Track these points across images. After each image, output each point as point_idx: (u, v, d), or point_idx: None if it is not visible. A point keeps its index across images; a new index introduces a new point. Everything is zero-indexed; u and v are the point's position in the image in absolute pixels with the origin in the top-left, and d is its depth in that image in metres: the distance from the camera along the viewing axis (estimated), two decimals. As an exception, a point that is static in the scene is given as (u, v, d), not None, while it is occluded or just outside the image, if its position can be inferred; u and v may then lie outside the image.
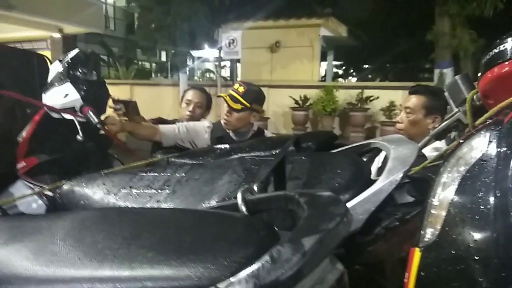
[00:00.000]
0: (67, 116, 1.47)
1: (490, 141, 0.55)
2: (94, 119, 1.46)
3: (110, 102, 1.91)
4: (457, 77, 0.83)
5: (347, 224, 0.45)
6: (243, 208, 0.58)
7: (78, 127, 1.43)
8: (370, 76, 16.64)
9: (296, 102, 8.15)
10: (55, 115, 1.50)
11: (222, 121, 2.16)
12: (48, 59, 1.87)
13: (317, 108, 7.96)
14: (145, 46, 9.59)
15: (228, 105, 2.07)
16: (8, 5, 7.18)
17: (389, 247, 0.72)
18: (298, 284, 0.39)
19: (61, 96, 1.48)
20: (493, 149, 0.54)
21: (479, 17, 7.01)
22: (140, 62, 11.95)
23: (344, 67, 17.65)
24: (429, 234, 0.58)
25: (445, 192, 0.57)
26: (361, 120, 7.84)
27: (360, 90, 7.97)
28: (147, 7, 8.16)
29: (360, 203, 0.70)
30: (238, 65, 10.07)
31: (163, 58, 11.99)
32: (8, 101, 1.61)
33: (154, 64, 13.09)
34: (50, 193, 1.31)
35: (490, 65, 0.69)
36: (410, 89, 1.95)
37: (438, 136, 0.96)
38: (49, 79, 1.56)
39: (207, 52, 10.12)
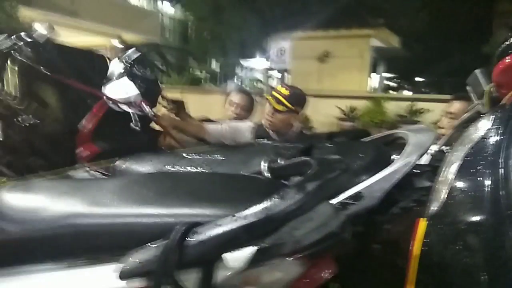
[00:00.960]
0: (125, 108, 1.64)
1: (492, 122, 0.60)
2: (149, 111, 1.61)
3: (161, 100, 2.08)
4: (477, 70, 0.87)
5: (345, 177, 0.53)
6: (266, 174, 0.67)
7: (135, 119, 1.59)
8: (423, 89, 16.10)
9: (344, 112, 8.11)
10: (114, 106, 1.67)
11: (264, 122, 2.26)
12: (108, 58, 2.07)
13: (364, 119, 7.87)
14: (197, 55, 9.99)
15: (272, 105, 2.17)
16: (72, 12, 7.81)
17: (404, 227, 0.77)
18: (298, 219, 0.48)
19: (122, 91, 1.66)
20: (493, 129, 0.59)
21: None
22: (192, 70, 12.44)
23: (396, 79, 17.23)
24: (434, 205, 0.63)
25: (450, 168, 0.63)
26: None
27: (410, 102, 7.77)
28: (201, 17, 8.52)
29: (377, 182, 0.76)
30: (287, 75, 10.19)
31: (214, 66, 12.41)
32: (74, 94, 1.81)
33: (205, 72, 13.57)
34: (105, 172, 1.47)
35: (502, 57, 0.73)
36: (453, 95, 1.95)
37: (463, 127, 0.99)
38: (110, 75, 1.75)
39: (257, 62, 10.34)
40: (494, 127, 0.59)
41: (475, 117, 0.86)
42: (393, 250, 0.80)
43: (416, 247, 0.64)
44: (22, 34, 1.58)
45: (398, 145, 0.91)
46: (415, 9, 8.87)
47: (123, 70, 1.70)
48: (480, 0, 7.94)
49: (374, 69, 10.68)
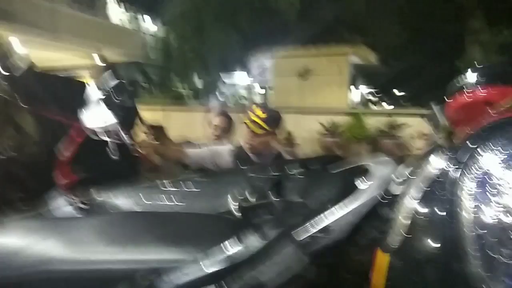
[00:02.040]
0: (106, 138, 1.66)
1: (445, 162, 0.65)
2: (128, 140, 1.63)
3: (142, 127, 2.10)
4: (435, 107, 0.93)
5: (306, 221, 0.57)
6: (236, 213, 0.70)
7: (113, 147, 1.61)
8: (403, 103, 16.46)
9: (326, 128, 8.22)
10: (94, 137, 1.69)
11: (243, 144, 2.30)
12: (87, 84, 2.09)
13: (346, 134, 8.00)
14: (180, 72, 10.04)
15: (250, 129, 2.22)
16: (52, 28, 7.76)
17: (371, 256, 0.81)
18: (261, 263, 0.51)
19: (98, 118, 1.67)
20: (446, 169, 0.63)
21: (512, 45, 6.93)
22: (174, 87, 12.45)
23: (376, 94, 17.57)
24: (393, 239, 0.67)
25: (407, 204, 0.67)
26: (391, 147, 7.78)
27: (389, 117, 7.95)
28: (183, 35, 8.60)
29: (344, 216, 0.80)
30: (270, 91, 10.31)
31: (197, 83, 12.47)
32: (53, 123, 1.82)
33: (188, 89, 13.61)
34: (84, 205, 1.48)
35: (453, 95, 0.79)
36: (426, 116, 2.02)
37: (423, 160, 1.04)
38: (88, 102, 1.76)
39: (239, 79, 10.46)
40: (446, 167, 0.63)
41: (434, 150, 0.91)
42: (362, 279, 0.83)
43: (376, 279, 0.67)
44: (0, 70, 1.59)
45: (365, 175, 0.95)
46: (392, 27, 9.15)
47: (101, 98, 1.71)
48: (453, 19, 8.25)
49: (354, 85, 10.89)
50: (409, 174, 0.80)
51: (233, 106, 12.56)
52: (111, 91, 1.71)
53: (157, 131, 2.28)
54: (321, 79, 9.41)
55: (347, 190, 0.89)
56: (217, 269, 0.52)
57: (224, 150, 2.30)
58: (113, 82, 1.79)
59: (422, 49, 10.19)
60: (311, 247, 0.80)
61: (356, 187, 0.92)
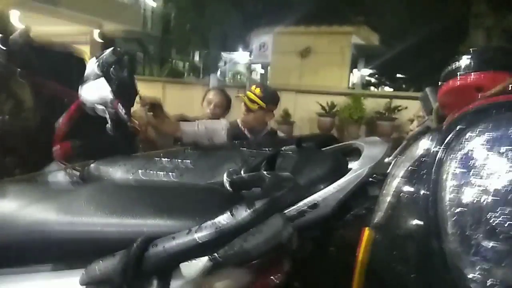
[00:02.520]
0: (99, 107, 1.66)
1: (431, 143, 0.66)
2: (122, 111, 1.64)
3: (137, 99, 2.10)
4: (427, 88, 0.94)
5: (293, 194, 0.59)
6: (227, 186, 0.72)
7: (108, 118, 1.62)
8: (404, 85, 16.39)
9: (323, 108, 8.22)
10: (89, 108, 1.69)
11: (239, 120, 2.31)
12: (85, 58, 2.08)
13: (343, 115, 8.00)
14: (179, 46, 9.92)
15: (246, 105, 2.22)
16: (52, 2, 7.65)
17: (356, 232, 0.84)
18: (249, 232, 0.54)
19: (95, 90, 1.67)
20: (431, 149, 0.65)
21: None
22: (173, 62, 12.33)
23: (377, 76, 17.46)
24: (378, 217, 0.70)
25: (393, 182, 0.69)
26: (387, 129, 7.81)
27: (388, 99, 7.94)
28: (183, 8, 8.46)
29: (332, 193, 0.82)
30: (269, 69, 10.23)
31: (196, 59, 12.34)
32: (49, 92, 1.82)
33: (187, 64, 13.46)
34: (78, 173, 1.50)
35: (446, 79, 0.80)
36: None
37: (412, 141, 1.05)
38: (86, 74, 1.76)
39: (239, 55, 10.35)
40: (432, 147, 0.64)
41: (425, 132, 0.93)
42: (347, 253, 0.86)
43: (361, 254, 0.70)
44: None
45: (354, 155, 0.97)
46: (395, 7, 9.01)
47: (99, 72, 1.71)
48: (458, 1, 8.13)
49: (355, 66, 10.83)
50: (398, 154, 0.82)
51: (231, 83, 12.50)
52: (108, 65, 1.70)
53: (154, 105, 2.27)
54: (322, 58, 9.35)
55: (337, 168, 0.91)
56: (207, 238, 0.54)
57: (219, 127, 2.31)
58: (107, 51, 1.77)
59: (425, 32, 10.08)
60: (298, 221, 0.83)
61: (346, 165, 0.94)
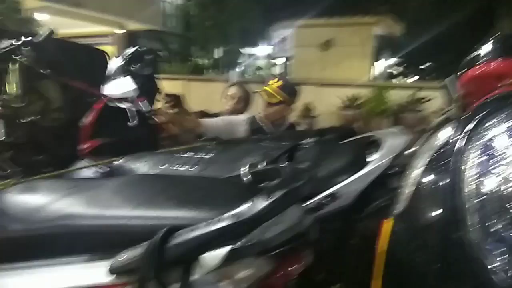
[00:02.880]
0: (123, 105, 1.71)
1: (451, 133, 0.65)
2: (146, 108, 1.67)
3: (159, 95, 2.14)
4: (448, 78, 0.92)
5: (310, 184, 0.60)
6: (248, 177, 0.73)
7: (133, 114, 1.66)
8: (427, 77, 15.98)
9: (345, 101, 8.12)
10: (112, 104, 1.74)
11: (258, 115, 2.32)
12: (108, 55, 2.13)
13: (366, 108, 7.88)
14: (200, 43, 9.99)
15: (265, 98, 2.24)
16: (76, 2, 7.83)
17: (377, 224, 0.84)
18: (268, 223, 0.55)
19: (119, 87, 1.72)
20: (451, 139, 0.64)
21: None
22: (195, 58, 12.42)
23: (400, 68, 17.09)
24: (398, 207, 0.70)
25: (413, 173, 0.69)
26: (413, 121, 7.64)
27: (413, 91, 7.77)
28: (203, 5, 8.50)
29: (352, 183, 0.82)
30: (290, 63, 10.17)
31: (217, 55, 12.40)
32: (75, 91, 1.87)
33: (208, 61, 13.55)
34: (105, 170, 1.55)
35: (467, 67, 0.78)
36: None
37: (432, 132, 1.03)
38: (109, 72, 1.81)
39: (259, 50, 10.34)
40: (451, 137, 0.64)
41: (445, 122, 0.92)
42: (368, 245, 0.86)
43: (381, 245, 0.70)
44: (22, 37, 1.63)
45: (374, 147, 0.96)
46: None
47: (123, 70, 1.75)
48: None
49: (377, 57, 10.63)
50: (419, 145, 0.81)
51: (252, 77, 12.50)
52: (129, 58, 1.75)
53: (174, 99, 2.31)
54: (343, 51, 9.21)
55: (356, 160, 0.91)
56: (227, 228, 0.56)
57: (239, 120, 2.33)
58: (131, 50, 1.82)
59: (449, 21, 9.80)
60: (319, 213, 0.84)
61: (365, 157, 0.94)
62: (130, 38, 9.92)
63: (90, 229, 0.67)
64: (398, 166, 0.87)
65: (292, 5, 8.77)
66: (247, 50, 10.37)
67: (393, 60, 14.04)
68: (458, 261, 0.58)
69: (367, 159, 0.89)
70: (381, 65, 11.48)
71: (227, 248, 0.56)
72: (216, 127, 2.24)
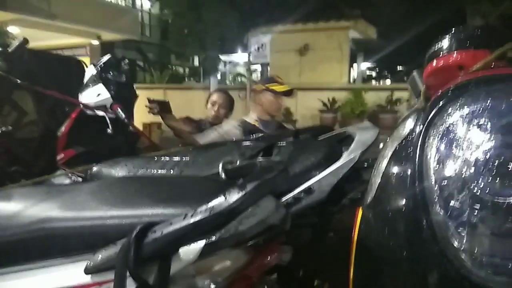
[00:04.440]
0: (99, 113, 1.70)
1: (415, 122, 0.68)
2: (122, 115, 1.67)
3: (146, 102, 2.15)
4: (414, 72, 0.96)
5: (284, 176, 0.62)
6: (223, 175, 0.74)
7: (108, 122, 1.65)
8: (405, 78, 16.34)
9: (324, 104, 8.23)
10: (89, 112, 1.73)
11: (248, 118, 2.42)
12: (85, 63, 2.12)
13: (345, 110, 8.01)
14: (178, 51, 9.97)
15: (278, 91, 2.37)
16: (50, 14, 7.73)
17: (353, 216, 0.86)
18: (242, 215, 0.56)
19: (94, 95, 1.71)
20: (415, 128, 0.67)
21: (512, 15, 6.83)
22: (173, 67, 12.39)
23: (377, 69, 17.43)
24: (369, 197, 0.72)
25: (382, 163, 0.71)
26: (390, 122, 7.81)
27: (389, 92, 7.95)
28: (179, 14, 8.51)
29: (325, 177, 0.84)
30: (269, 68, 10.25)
31: (196, 63, 12.39)
32: (50, 101, 1.86)
33: (187, 69, 13.53)
34: (82, 177, 1.53)
35: (429, 60, 0.82)
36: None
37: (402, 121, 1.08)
38: (85, 81, 1.80)
39: (238, 56, 10.40)
40: (416, 127, 0.67)
41: (412, 113, 0.95)
42: (345, 237, 0.88)
43: (356, 234, 0.72)
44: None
45: (348, 142, 0.99)
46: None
47: (98, 78, 1.75)
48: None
49: (354, 60, 10.82)
50: (388, 137, 0.84)
51: (231, 84, 12.53)
52: (103, 66, 1.75)
53: (162, 106, 2.31)
54: (320, 55, 9.36)
55: (331, 154, 0.93)
56: (202, 222, 0.57)
57: (231, 128, 2.37)
58: (105, 58, 1.82)
59: (422, 22, 10.07)
60: (295, 207, 0.85)
61: (340, 152, 0.96)
62: (107, 48, 9.84)
63: (67, 231, 0.67)
64: (372, 159, 0.89)
65: (268, 11, 8.85)
66: (226, 57, 10.40)
67: (369, 63, 14.31)
68: (426, 244, 0.61)
69: (341, 152, 0.91)
70: (358, 68, 11.69)
71: (203, 242, 0.57)
72: (212, 140, 2.27)
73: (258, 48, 8.43)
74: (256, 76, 13.21)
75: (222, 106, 2.70)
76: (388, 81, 17.25)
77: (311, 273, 1.00)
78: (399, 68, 16.21)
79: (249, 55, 8.65)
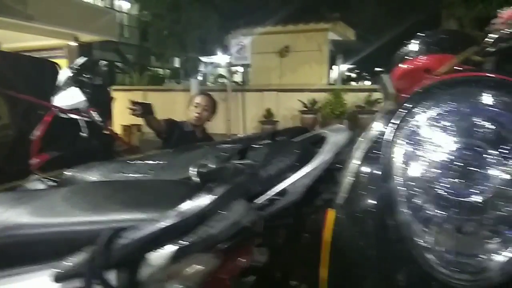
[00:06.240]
0: (74, 116, 1.67)
1: (383, 125, 0.70)
2: (97, 118, 1.65)
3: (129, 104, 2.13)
4: (384, 75, 0.98)
5: (254, 180, 0.62)
6: (196, 178, 0.74)
7: (81, 125, 1.63)
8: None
9: (305, 105, 8.29)
10: (63, 115, 1.70)
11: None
12: (59, 65, 2.08)
13: (325, 111, 8.09)
14: (158, 53, 9.88)
15: None
16: (27, 15, 7.55)
17: (325, 216, 0.87)
18: (213, 218, 0.56)
19: (68, 98, 1.68)
20: (383, 130, 0.69)
21: (486, 18, 7.02)
22: (153, 69, 12.27)
23: (357, 71, 17.68)
24: (340, 198, 0.73)
25: (351, 165, 0.73)
26: (369, 122, 7.88)
27: (368, 93, 8.07)
28: (158, 15, 8.43)
29: (299, 179, 0.85)
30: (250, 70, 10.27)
31: (176, 65, 12.30)
32: (24, 104, 1.82)
33: (167, 70, 13.41)
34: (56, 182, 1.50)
35: (397, 63, 0.84)
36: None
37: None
38: (59, 83, 1.77)
39: (218, 58, 10.38)
40: (383, 128, 0.68)
41: (381, 115, 0.97)
42: (319, 238, 0.89)
43: (326, 235, 0.73)
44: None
45: (320, 142, 1.00)
46: (369, 2, 9.16)
47: (73, 81, 1.72)
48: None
49: (334, 62, 10.94)
50: (360, 139, 0.85)
51: (213, 85, 12.50)
52: (79, 69, 1.72)
53: (145, 108, 2.29)
54: (301, 56, 9.42)
55: (305, 156, 0.95)
56: (171, 226, 0.57)
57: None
58: (81, 60, 1.79)
59: (399, 24, 10.26)
60: (270, 209, 0.86)
61: (314, 153, 0.97)
62: (85, 50, 9.65)
63: (36, 238, 0.66)
64: (343, 159, 0.91)
65: (248, 13, 8.88)
66: (206, 59, 10.37)
67: (349, 64, 14.49)
68: (393, 243, 0.62)
69: (314, 154, 0.92)
70: (337, 69, 11.82)
71: (173, 246, 0.57)
72: None
73: (238, 50, 8.43)
74: (238, 78, 13.21)
75: (205, 109, 2.71)
76: (367, 82, 17.51)
77: (288, 274, 1.01)
78: (378, 69, 16.48)
79: (229, 56, 8.64)
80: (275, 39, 9.45)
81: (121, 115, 2.61)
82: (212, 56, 10.10)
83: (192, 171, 0.75)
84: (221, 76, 14.95)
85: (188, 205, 0.58)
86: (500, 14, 0.71)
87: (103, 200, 0.72)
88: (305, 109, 8.31)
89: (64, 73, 1.85)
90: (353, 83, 16.32)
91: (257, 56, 9.07)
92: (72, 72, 1.77)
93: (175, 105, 9.32)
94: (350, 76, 17.14)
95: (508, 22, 0.69)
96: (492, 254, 0.54)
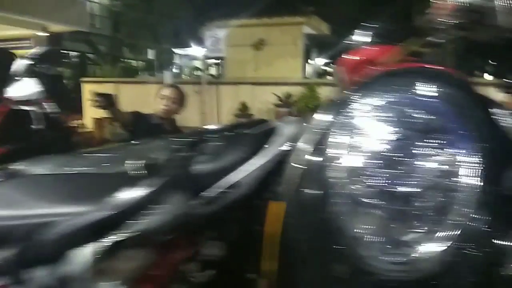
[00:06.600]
0: (26, 108, 1.61)
1: (323, 115, 0.70)
2: (50, 110, 1.59)
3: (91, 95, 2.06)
4: (335, 67, 0.99)
5: (191, 176, 0.61)
6: (132, 172, 0.73)
7: (35, 117, 1.57)
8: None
9: (280, 99, 8.31)
10: (15, 107, 1.63)
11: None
12: (14, 55, 2.00)
13: (300, 105, 8.13)
14: (130, 44, 9.67)
15: None
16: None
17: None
18: (148, 212, 0.55)
19: (23, 89, 1.61)
20: (325, 121, 0.69)
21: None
22: (126, 60, 12.00)
23: (331, 65, 17.83)
24: (284, 189, 0.73)
25: (295, 155, 0.72)
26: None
27: (341, 87, 8.16)
28: (131, 5, 8.25)
29: (249, 171, 0.85)
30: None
31: (150, 56, 12.08)
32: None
33: (141, 62, 13.16)
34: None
35: (341, 54, 0.84)
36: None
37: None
38: (13, 73, 1.69)
39: (194, 51, 10.26)
40: (326, 120, 0.68)
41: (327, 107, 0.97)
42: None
43: (270, 228, 0.73)
44: None
45: (273, 135, 1.00)
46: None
47: (28, 71, 1.65)
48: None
49: (309, 56, 11.00)
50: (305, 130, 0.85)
51: (187, 78, 12.35)
52: (36, 58, 1.65)
53: (107, 99, 2.21)
54: (275, 50, 9.42)
55: (258, 148, 0.94)
56: (104, 219, 0.55)
57: None
58: (39, 50, 1.72)
59: (372, 19, 10.41)
60: (221, 202, 0.85)
61: (265, 145, 0.97)
62: (54, 40, 9.34)
63: None
64: (291, 151, 0.90)
65: (223, 5, 8.80)
66: (181, 51, 10.23)
67: (324, 58, 14.60)
68: (331, 234, 0.62)
69: (267, 147, 0.92)
70: (312, 63, 11.90)
71: (105, 241, 0.55)
72: None
73: (213, 42, 8.36)
74: (214, 70, 13.10)
75: (173, 101, 2.64)
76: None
77: (243, 268, 1.00)
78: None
79: (204, 49, 8.55)
80: (250, 32, 9.41)
81: (94, 108, 2.54)
82: (187, 48, 9.97)
83: (128, 164, 0.73)
84: (197, 68, 14.81)
85: (123, 198, 0.56)
86: (439, 4, 0.72)
87: (41, 194, 0.69)
88: (279, 102, 8.32)
89: (20, 63, 1.77)
90: (329, 77, 16.46)
91: (232, 49, 9.02)
92: (28, 62, 1.69)
93: (149, 98, 9.14)
94: (325, 70, 17.28)
95: (451, 14, 0.70)
96: (422, 245, 0.55)
